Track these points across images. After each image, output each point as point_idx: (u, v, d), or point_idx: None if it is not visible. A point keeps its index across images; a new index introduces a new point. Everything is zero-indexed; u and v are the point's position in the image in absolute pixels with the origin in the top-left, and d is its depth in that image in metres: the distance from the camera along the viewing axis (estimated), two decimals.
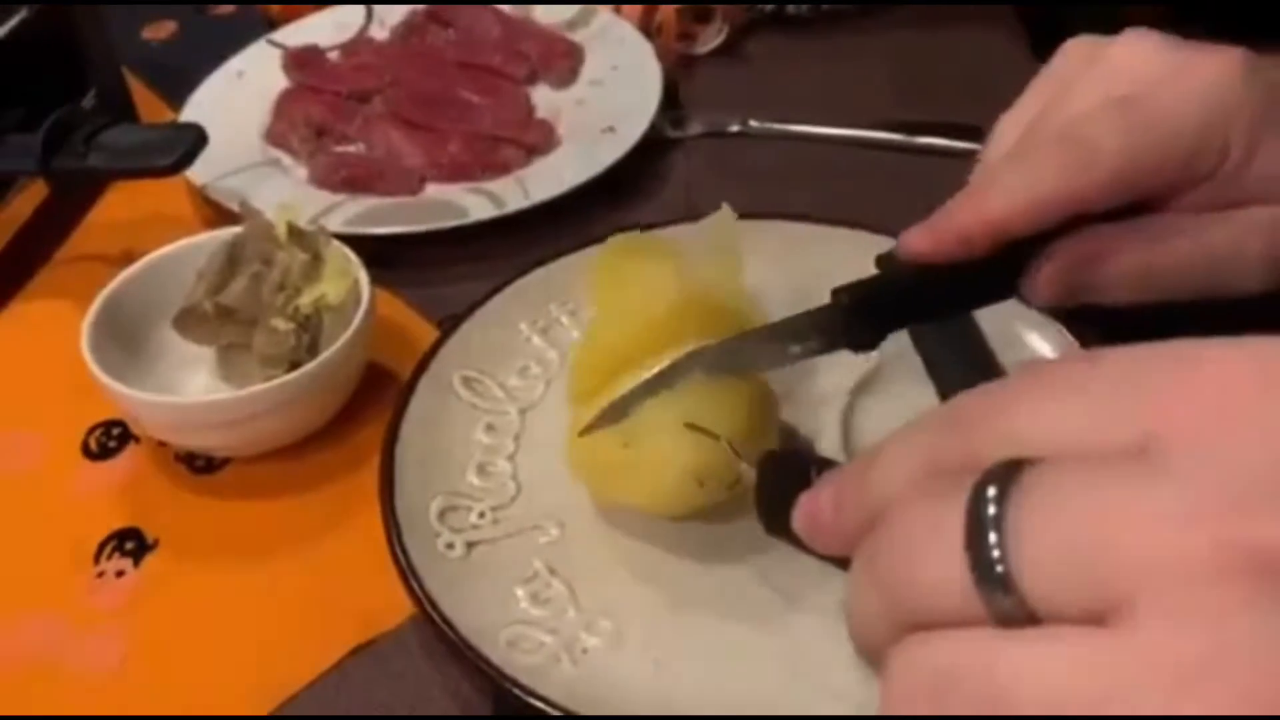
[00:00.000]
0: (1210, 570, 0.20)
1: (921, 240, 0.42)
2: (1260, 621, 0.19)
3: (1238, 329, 0.23)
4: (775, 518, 0.31)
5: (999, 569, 0.21)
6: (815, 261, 0.59)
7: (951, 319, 0.52)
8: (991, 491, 0.22)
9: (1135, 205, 0.42)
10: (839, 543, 0.27)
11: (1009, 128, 0.45)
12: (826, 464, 0.34)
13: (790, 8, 0.83)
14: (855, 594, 0.25)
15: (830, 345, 0.45)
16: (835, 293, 0.44)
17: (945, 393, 0.52)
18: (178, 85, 0.79)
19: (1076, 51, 0.44)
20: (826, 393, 0.54)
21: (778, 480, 0.36)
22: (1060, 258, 0.42)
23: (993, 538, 0.22)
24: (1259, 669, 0.19)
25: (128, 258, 0.60)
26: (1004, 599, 0.21)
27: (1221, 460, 0.21)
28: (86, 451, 0.57)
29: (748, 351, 0.46)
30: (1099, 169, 0.40)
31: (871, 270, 0.45)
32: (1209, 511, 0.20)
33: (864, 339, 0.44)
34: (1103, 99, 0.41)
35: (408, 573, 0.46)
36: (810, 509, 0.28)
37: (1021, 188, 0.41)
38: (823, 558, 0.29)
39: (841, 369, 0.54)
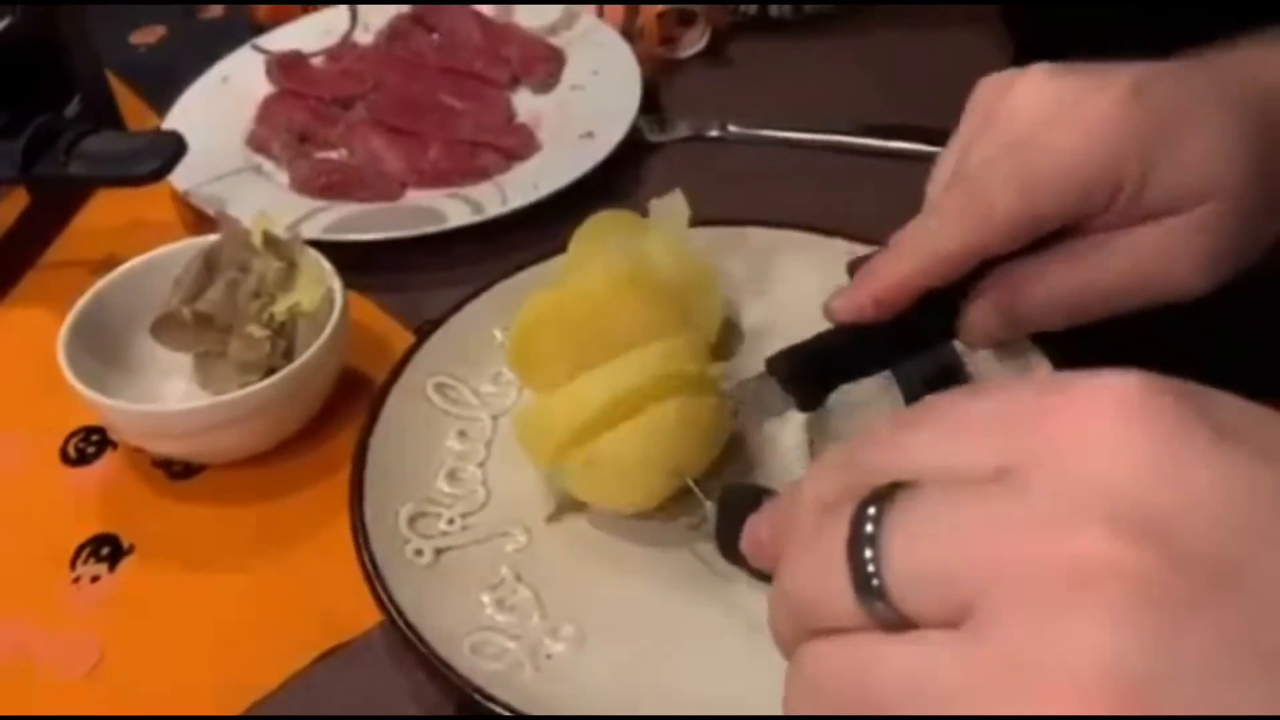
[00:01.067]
0: (1043, 577, 0.21)
1: (844, 308, 0.44)
2: (1077, 625, 0.21)
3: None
4: (731, 545, 0.33)
5: (875, 581, 0.23)
6: (793, 268, 0.60)
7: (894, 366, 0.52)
8: (871, 511, 0.24)
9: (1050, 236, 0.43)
10: (773, 562, 0.29)
11: (943, 167, 0.47)
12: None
13: (773, 10, 0.83)
14: (770, 606, 0.27)
15: (777, 411, 0.47)
16: (769, 362, 0.46)
17: (910, 400, 0.52)
18: (165, 90, 0.79)
19: (988, 88, 0.46)
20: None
21: (734, 511, 0.38)
22: (986, 296, 0.44)
23: (868, 553, 0.24)
24: (1073, 670, 0.21)
25: (111, 263, 0.61)
26: (881, 607, 0.23)
27: (1068, 480, 0.22)
28: (65, 457, 0.58)
29: None
30: (995, 220, 0.42)
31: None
32: (1045, 524, 0.22)
33: (807, 401, 0.46)
34: (997, 145, 0.43)
35: (374, 579, 0.47)
36: (752, 533, 0.30)
37: (925, 247, 0.43)
38: (769, 578, 0.30)
39: None
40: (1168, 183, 0.41)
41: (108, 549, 0.53)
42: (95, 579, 0.52)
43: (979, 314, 0.44)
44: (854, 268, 0.47)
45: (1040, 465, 0.23)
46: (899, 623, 0.23)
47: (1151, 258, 0.42)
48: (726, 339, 0.58)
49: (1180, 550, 0.21)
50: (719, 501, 0.42)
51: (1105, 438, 0.22)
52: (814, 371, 0.46)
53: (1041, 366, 0.52)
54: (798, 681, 0.25)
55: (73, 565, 0.53)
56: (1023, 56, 0.46)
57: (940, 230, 0.43)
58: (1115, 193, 0.41)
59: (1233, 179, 0.42)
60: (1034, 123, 0.42)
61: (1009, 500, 0.23)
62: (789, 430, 0.53)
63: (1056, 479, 0.22)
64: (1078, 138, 0.41)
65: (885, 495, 0.24)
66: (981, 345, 0.46)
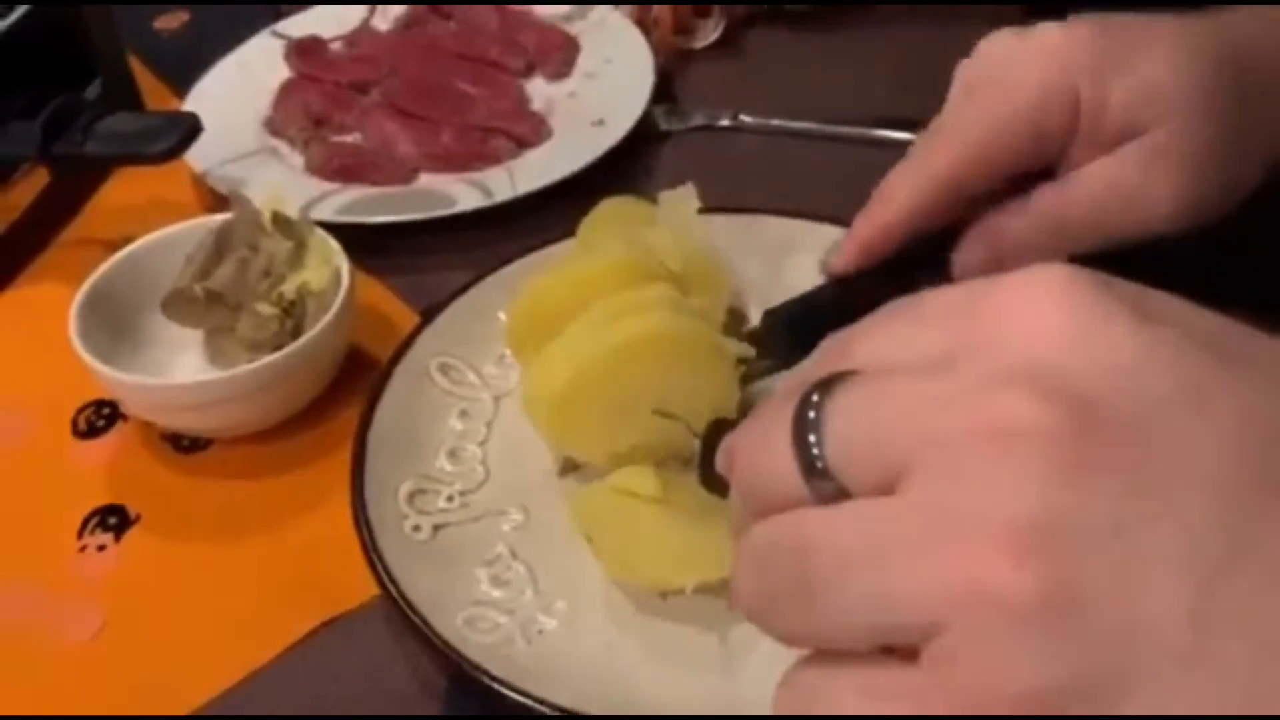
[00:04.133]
0: (965, 440, 0.23)
1: (838, 261, 0.46)
2: (991, 479, 0.23)
3: None
4: (712, 475, 0.33)
5: (819, 463, 0.25)
6: (805, 259, 0.60)
7: None
8: (815, 398, 0.26)
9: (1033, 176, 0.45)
10: None
11: None
12: None
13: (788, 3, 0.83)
14: (731, 506, 0.28)
15: (781, 364, 0.48)
16: (767, 314, 0.47)
17: None
18: (187, 75, 0.80)
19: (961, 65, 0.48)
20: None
21: (717, 440, 0.38)
22: (973, 237, 0.46)
23: (812, 436, 0.25)
24: (983, 519, 0.22)
25: (128, 242, 0.61)
26: (824, 484, 0.25)
27: (995, 354, 0.24)
28: (76, 430, 0.59)
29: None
30: (964, 150, 0.44)
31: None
32: (970, 394, 0.24)
33: (792, 355, 0.46)
34: (961, 90, 0.46)
35: (371, 552, 0.47)
36: (725, 450, 0.31)
37: (903, 190, 0.45)
38: None
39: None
40: (1122, 102, 0.43)
41: (115, 519, 0.54)
42: (101, 548, 0.53)
43: (968, 253, 0.46)
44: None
45: (972, 346, 0.25)
46: (839, 497, 0.25)
47: (1117, 184, 0.44)
48: (734, 328, 0.59)
49: (1093, 409, 0.23)
50: (703, 436, 0.42)
51: (1029, 316, 0.24)
52: (811, 322, 0.45)
53: None
54: (743, 558, 0.26)
55: (80, 535, 0.54)
56: None
57: (913, 173, 0.45)
58: (1074, 115, 0.43)
59: (1185, 101, 0.43)
60: (993, 63, 0.45)
61: (940, 377, 0.24)
62: None
63: (985, 355, 0.24)
64: (1032, 62, 0.44)
65: (830, 383, 0.26)
66: None
